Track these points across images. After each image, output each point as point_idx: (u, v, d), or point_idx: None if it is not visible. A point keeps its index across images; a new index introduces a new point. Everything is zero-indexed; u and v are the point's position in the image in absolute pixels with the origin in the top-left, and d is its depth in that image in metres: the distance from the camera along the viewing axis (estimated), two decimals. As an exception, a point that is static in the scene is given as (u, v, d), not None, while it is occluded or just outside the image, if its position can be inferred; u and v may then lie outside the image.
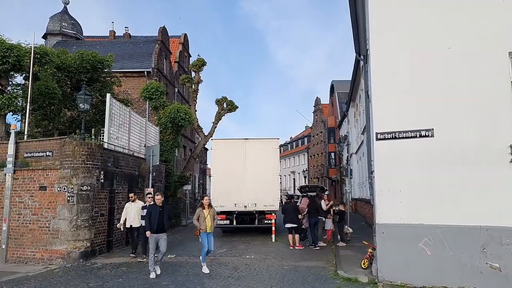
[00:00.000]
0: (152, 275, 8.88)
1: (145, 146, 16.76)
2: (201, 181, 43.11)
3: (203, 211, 9.51)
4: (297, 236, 13.27)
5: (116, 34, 35.21)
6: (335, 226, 14.53)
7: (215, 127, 23.77)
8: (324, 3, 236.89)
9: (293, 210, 13.44)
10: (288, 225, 13.35)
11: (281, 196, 25.73)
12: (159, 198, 9.31)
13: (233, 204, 15.64)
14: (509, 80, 7.47)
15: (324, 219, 14.33)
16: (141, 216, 11.01)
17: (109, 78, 18.93)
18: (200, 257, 9.78)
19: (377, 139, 8.24)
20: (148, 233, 9.01)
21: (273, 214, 15.57)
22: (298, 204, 14.70)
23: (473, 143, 7.49)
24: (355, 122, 28.10)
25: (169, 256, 11.68)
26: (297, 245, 13.11)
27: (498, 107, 7.43)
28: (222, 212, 15.71)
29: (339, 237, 13.84)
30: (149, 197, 10.02)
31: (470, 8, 7.85)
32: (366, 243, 10.34)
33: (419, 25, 8.20)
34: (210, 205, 9.76)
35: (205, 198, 9.79)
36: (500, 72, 7.50)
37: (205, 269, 9.41)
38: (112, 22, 44.39)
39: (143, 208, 11.10)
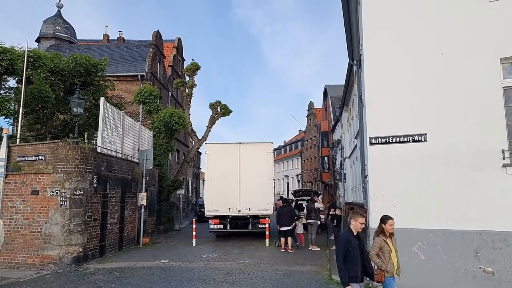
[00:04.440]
0: None
1: (138, 150, 16.70)
2: (194, 185, 42.99)
3: (388, 241, 5.80)
4: (289, 239, 13.34)
5: (109, 38, 35.09)
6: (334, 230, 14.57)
7: (209, 131, 23.77)
8: (317, 8, 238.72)
9: (289, 214, 13.57)
10: (283, 228, 13.44)
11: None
12: (361, 222, 5.46)
13: (227, 208, 15.60)
14: (501, 86, 7.55)
15: (318, 222, 14.40)
16: None
17: (102, 82, 18.83)
18: None
19: (371, 143, 8.28)
20: None
21: (267, 218, 15.55)
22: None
23: (466, 148, 7.55)
24: (348, 126, 28.18)
25: (162, 261, 11.62)
26: (290, 248, 13.17)
27: (490, 112, 7.50)
28: (216, 217, 15.70)
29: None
30: (360, 222, 5.47)
31: (462, 15, 7.95)
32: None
33: (412, 30, 8.28)
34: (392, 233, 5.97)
35: (389, 221, 5.86)
36: (492, 78, 7.59)
37: None
38: (106, 26, 44.14)
39: None
